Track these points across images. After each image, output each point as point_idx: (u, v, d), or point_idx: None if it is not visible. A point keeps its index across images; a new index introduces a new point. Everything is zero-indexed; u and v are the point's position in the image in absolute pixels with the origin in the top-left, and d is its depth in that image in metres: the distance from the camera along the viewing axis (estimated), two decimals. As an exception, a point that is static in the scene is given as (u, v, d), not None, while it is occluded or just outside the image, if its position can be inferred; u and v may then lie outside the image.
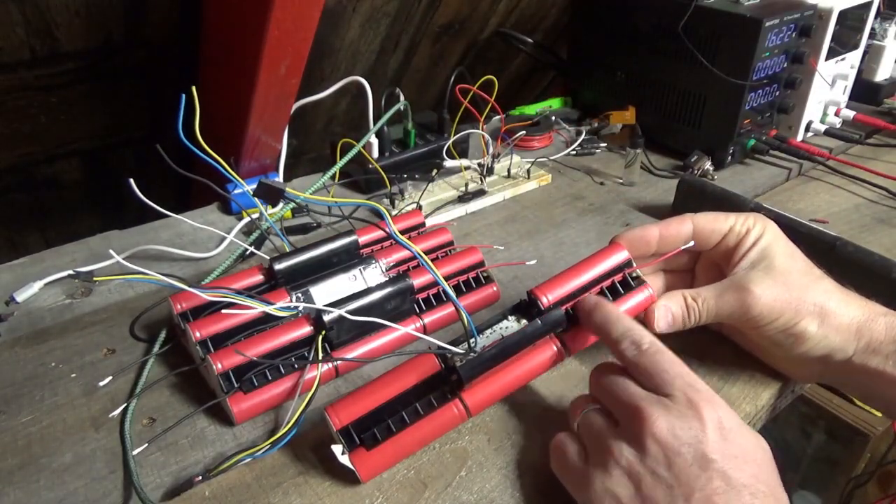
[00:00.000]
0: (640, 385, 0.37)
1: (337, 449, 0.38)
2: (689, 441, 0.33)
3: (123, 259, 0.46)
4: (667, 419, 0.34)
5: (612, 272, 0.47)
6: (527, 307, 0.46)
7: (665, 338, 0.40)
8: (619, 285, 0.47)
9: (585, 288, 0.46)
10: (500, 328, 0.45)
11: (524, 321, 0.45)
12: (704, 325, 0.49)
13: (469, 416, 0.41)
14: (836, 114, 0.83)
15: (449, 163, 0.73)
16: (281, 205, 0.68)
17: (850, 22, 0.77)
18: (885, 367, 0.40)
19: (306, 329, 0.45)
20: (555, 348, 0.44)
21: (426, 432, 0.40)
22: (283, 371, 0.44)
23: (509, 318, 0.46)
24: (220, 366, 0.42)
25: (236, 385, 0.43)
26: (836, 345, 0.41)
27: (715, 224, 0.46)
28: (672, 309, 0.44)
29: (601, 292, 0.47)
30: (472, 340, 0.42)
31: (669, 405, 0.35)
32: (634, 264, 0.47)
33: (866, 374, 0.41)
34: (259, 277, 0.51)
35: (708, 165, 0.76)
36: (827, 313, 0.41)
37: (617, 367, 0.39)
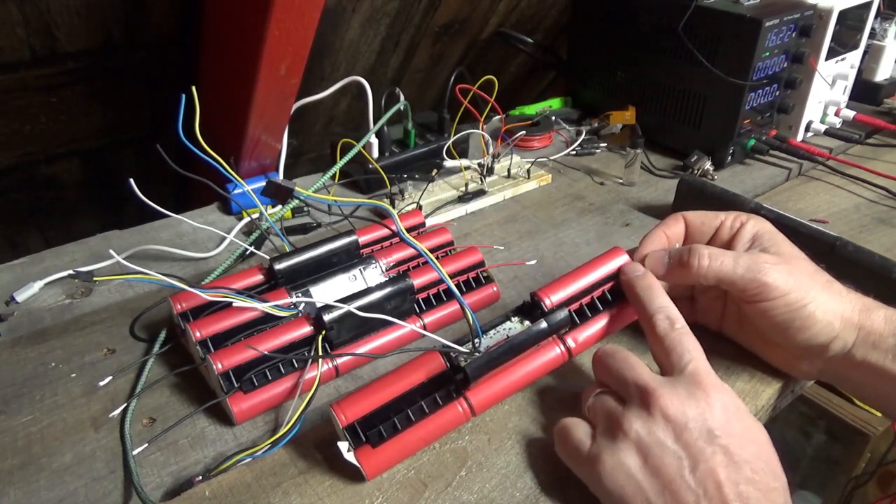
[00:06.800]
0: (656, 358, 0.41)
1: (343, 446, 0.38)
2: (696, 417, 0.35)
3: (123, 259, 0.46)
4: (676, 396, 0.35)
5: (613, 275, 0.47)
6: (530, 308, 0.46)
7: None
8: (620, 288, 0.47)
9: (587, 290, 0.46)
10: (504, 329, 0.45)
11: (527, 322, 0.46)
12: (704, 326, 0.50)
13: (473, 416, 0.42)
14: (836, 114, 0.83)
15: (449, 163, 0.73)
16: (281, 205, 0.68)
17: (850, 22, 0.77)
18: (885, 362, 0.41)
19: (306, 329, 0.45)
20: (559, 350, 0.44)
21: (431, 431, 0.40)
22: (283, 371, 0.44)
23: (512, 319, 0.46)
24: (220, 366, 0.42)
25: (236, 385, 0.43)
26: (838, 333, 0.41)
27: (705, 218, 0.48)
28: (671, 255, 0.45)
29: (603, 295, 0.47)
30: (476, 340, 0.42)
31: (676, 384, 0.36)
32: None
33: (866, 370, 0.41)
34: (259, 277, 0.51)
35: (708, 165, 0.76)
36: (829, 300, 0.41)
37: (619, 349, 0.40)
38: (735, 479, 0.33)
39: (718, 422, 0.35)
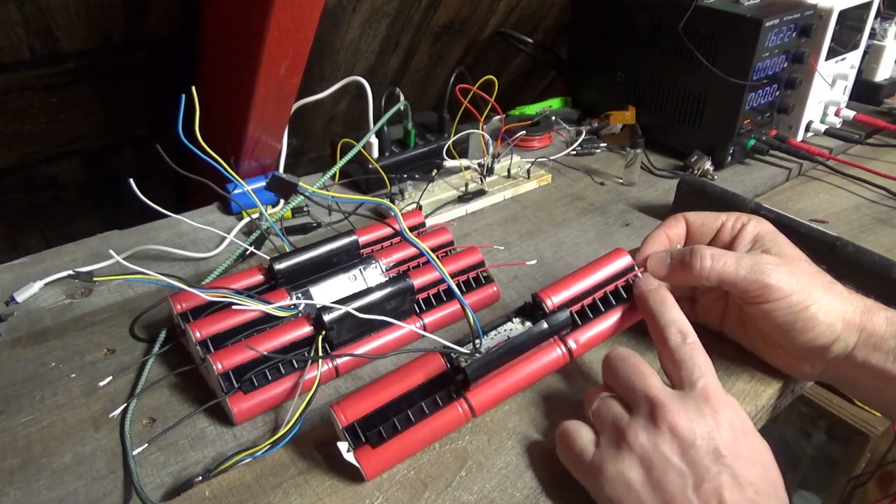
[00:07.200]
0: (665, 371, 0.39)
1: (342, 446, 0.38)
2: (704, 435, 0.34)
3: (123, 259, 0.46)
4: (685, 412, 0.35)
5: (615, 277, 0.47)
6: (531, 310, 0.46)
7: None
8: (622, 289, 0.47)
9: (589, 292, 0.46)
10: (505, 330, 0.45)
11: (528, 323, 0.45)
12: (705, 326, 0.50)
13: (473, 416, 0.41)
14: (836, 114, 0.83)
15: (449, 163, 0.73)
16: (281, 204, 0.68)
17: (850, 22, 0.77)
18: (886, 363, 0.40)
19: (306, 329, 0.45)
20: (560, 351, 0.44)
21: (431, 432, 0.40)
22: (283, 371, 0.44)
23: (513, 320, 0.46)
24: (220, 366, 0.42)
25: (236, 385, 0.43)
26: (840, 335, 0.41)
27: (706, 219, 0.47)
28: (673, 256, 0.45)
29: (605, 297, 0.47)
30: (476, 341, 0.42)
31: (686, 399, 0.36)
32: (637, 269, 0.47)
33: (867, 371, 0.41)
34: (259, 277, 0.51)
35: (708, 165, 0.76)
36: (831, 302, 0.41)
37: (631, 355, 0.40)
38: (738, 501, 0.32)
39: (725, 441, 0.34)
